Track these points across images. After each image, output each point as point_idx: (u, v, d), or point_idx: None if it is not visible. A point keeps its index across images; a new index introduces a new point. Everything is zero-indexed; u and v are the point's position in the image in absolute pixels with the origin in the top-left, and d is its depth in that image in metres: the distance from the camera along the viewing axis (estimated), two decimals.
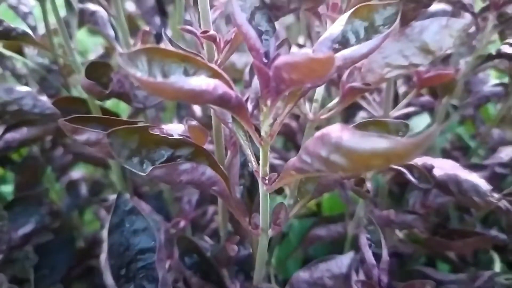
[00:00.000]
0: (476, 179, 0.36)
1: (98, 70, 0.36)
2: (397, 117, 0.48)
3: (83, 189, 0.71)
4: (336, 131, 0.20)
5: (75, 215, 0.73)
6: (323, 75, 0.20)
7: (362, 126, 0.30)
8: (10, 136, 0.52)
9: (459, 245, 0.47)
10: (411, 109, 0.50)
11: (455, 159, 0.59)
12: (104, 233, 0.42)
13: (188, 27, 0.28)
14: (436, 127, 0.18)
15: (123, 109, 0.70)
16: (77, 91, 0.61)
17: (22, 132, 0.52)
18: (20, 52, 0.63)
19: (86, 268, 0.71)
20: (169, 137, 0.28)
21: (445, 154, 0.58)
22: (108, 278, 0.30)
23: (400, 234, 0.51)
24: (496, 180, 0.56)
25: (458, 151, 0.64)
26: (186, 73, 0.22)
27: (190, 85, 0.20)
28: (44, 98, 0.42)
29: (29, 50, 0.67)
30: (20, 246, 0.48)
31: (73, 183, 0.70)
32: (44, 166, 0.62)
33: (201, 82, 0.20)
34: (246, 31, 0.23)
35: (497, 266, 0.62)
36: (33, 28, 0.60)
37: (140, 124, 0.28)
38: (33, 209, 0.50)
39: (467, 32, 0.52)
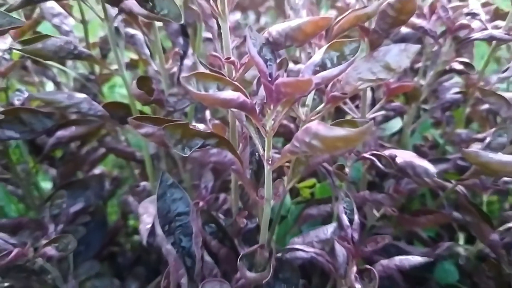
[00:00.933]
0: (426, 164, 0.48)
1: (143, 82, 0.48)
2: (372, 118, 0.61)
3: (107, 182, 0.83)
4: (315, 125, 0.32)
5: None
6: (306, 90, 0.32)
7: (338, 124, 0.42)
8: (60, 133, 0.64)
9: (423, 221, 0.59)
10: (383, 112, 0.62)
11: (424, 154, 0.71)
12: (143, 206, 0.55)
13: (216, 54, 0.40)
14: (370, 124, 0.30)
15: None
16: (111, 97, 0.74)
17: (71, 130, 0.64)
18: (63, 64, 0.75)
19: (109, 252, 0.83)
20: (201, 130, 0.40)
21: (416, 149, 0.69)
22: (160, 235, 0.41)
23: (377, 213, 0.63)
24: (458, 171, 0.69)
25: (430, 148, 0.76)
26: (218, 88, 0.34)
27: (223, 96, 0.32)
28: (95, 102, 0.54)
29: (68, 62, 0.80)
30: (71, 221, 0.60)
31: (100, 175, 0.82)
32: (84, 160, 0.74)
33: (229, 94, 0.32)
34: (257, 60, 0.35)
35: (461, 241, 0.74)
36: (74, 46, 0.73)
37: (182, 122, 0.40)
38: (79, 192, 0.62)
39: (432, 50, 0.64)
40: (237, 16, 0.90)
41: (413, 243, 0.77)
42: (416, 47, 0.47)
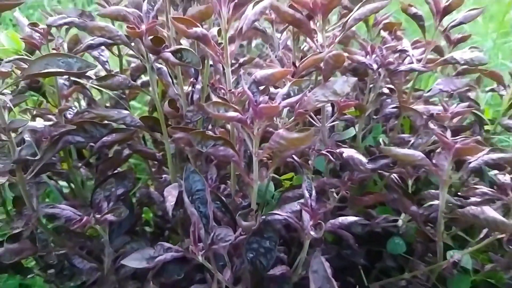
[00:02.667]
0: (361, 157, 0.72)
1: (172, 103, 0.71)
2: (332, 127, 0.85)
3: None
4: (281, 131, 0.56)
5: None
6: (277, 112, 0.56)
7: (300, 131, 0.66)
8: (105, 139, 0.87)
9: (366, 200, 0.83)
10: (337, 122, 0.85)
11: (373, 152, 0.95)
12: (167, 190, 0.78)
13: (222, 86, 0.64)
14: (312, 130, 0.54)
15: None
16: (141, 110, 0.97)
17: (112, 137, 0.87)
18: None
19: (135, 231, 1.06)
20: (213, 135, 0.64)
21: (367, 149, 0.93)
22: (187, 202, 0.64)
23: (336, 196, 0.86)
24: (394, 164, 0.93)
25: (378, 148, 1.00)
26: (226, 110, 0.58)
27: (229, 115, 0.56)
28: (135, 117, 0.78)
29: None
30: (116, 201, 0.82)
31: (130, 170, 1.04)
32: (116, 159, 0.97)
33: (232, 113, 0.56)
34: (248, 93, 0.58)
35: (402, 216, 0.98)
36: (109, 71, 0.96)
37: (200, 130, 0.64)
38: (119, 181, 0.85)
39: (374, 77, 0.88)
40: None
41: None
42: (354, 79, 0.71)
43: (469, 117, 1.08)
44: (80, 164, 0.96)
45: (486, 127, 1.03)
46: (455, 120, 0.92)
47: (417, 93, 1.02)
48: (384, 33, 0.97)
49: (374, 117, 0.97)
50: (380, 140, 1.03)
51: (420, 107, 0.87)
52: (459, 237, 0.98)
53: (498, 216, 0.61)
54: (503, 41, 1.93)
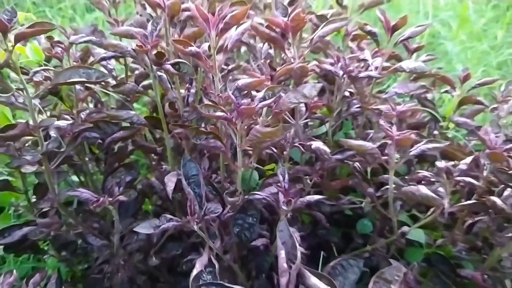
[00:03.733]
0: (326, 148, 0.88)
1: (172, 105, 0.87)
2: (305, 124, 1.01)
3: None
4: (257, 127, 0.72)
5: None
6: (253, 112, 0.72)
7: (272, 126, 0.82)
8: (114, 135, 1.03)
9: (334, 185, 1.00)
10: (308, 120, 1.02)
11: (341, 145, 1.12)
12: (167, 178, 0.94)
13: (211, 92, 0.80)
14: (280, 126, 0.70)
15: None
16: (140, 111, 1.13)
17: (120, 133, 1.03)
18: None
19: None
20: (205, 130, 0.80)
21: (336, 143, 1.10)
22: (184, 184, 0.81)
23: (309, 182, 1.03)
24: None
25: None
26: (215, 111, 0.74)
27: (218, 114, 0.72)
28: (140, 116, 0.94)
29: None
30: (125, 188, 0.98)
31: (135, 162, 1.20)
32: (122, 153, 1.13)
33: (220, 114, 0.72)
34: (232, 97, 0.75)
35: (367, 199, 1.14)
36: (116, 78, 1.12)
37: (195, 126, 0.80)
38: (127, 171, 1.01)
39: (340, 82, 1.05)
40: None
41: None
42: (319, 85, 0.87)
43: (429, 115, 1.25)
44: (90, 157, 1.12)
45: (442, 124, 1.21)
46: (417, 117, 1.09)
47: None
48: (351, 44, 1.14)
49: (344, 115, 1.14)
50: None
51: (382, 106, 1.04)
52: (416, 217, 1.15)
53: (429, 192, 0.78)
54: (471, 45, 2.12)
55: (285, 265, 0.62)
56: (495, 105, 1.05)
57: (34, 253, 1.20)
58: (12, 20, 0.71)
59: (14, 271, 0.75)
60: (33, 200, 1.07)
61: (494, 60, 1.81)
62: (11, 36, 0.68)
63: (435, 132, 1.20)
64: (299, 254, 0.63)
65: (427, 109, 1.14)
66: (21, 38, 0.69)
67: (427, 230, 1.09)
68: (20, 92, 0.76)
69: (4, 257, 1.44)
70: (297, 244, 0.66)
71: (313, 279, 0.61)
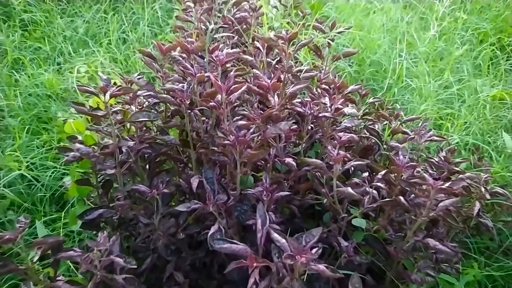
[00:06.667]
0: (293, 162, 1.39)
1: (196, 132, 1.39)
2: (284, 146, 1.54)
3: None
4: (249, 150, 1.24)
5: None
6: (247, 142, 1.25)
7: (257, 149, 1.33)
8: (161, 151, 1.55)
9: (303, 187, 1.51)
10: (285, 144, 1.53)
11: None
12: (192, 179, 1.46)
13: (222, 127, 1.33)
14: (262, 150, 1.22)
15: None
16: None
17: (164, 149, 1.55)
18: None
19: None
20: (217, 150, 1.32)
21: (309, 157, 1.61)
22: (204, 183, 1.33)
23: (287, 185, 1.53)
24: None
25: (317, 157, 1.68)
26: (224, 139, 1.26)
27: (225, 142, 1.24)
28: (173, 137, 1.46)
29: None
30: (167, 184, 1.50)
31: (169, 168, 1.73)
32: (158, 162, 1.65)
33: (227, 141, 1.24)
34: (234, 132, 1.27)
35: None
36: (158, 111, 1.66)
37: (211, 148, 1.32)
38: (166, 174, 1.53)
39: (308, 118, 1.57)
40: None
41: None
42: (290, 122, 1.39)
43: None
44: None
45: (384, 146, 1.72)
46: (366, 142, 1.60)
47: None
48: (319, 89, 1.66)
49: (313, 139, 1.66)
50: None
51: (340, 134, 1.56)
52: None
53: (352, 192, 1.29)
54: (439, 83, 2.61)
55: (260, 227, 1.13)
56: (413, 135, 1.56)
57: (97, 230, 1.73)
58: (108, 85, 1.25)
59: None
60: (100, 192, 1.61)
61: (443, 95, 2.31)
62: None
63: (380, 151, 1.71)
64: (267, 222, 1.14)
65: (372, 136, 1.65)
66: (116, 95, 1.22)
67: (369, 220, 1.59)
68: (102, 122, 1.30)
69: (68, 234, 1.99)
70: (268, 218, 1.17)
71: (275, 235, 1.12)
